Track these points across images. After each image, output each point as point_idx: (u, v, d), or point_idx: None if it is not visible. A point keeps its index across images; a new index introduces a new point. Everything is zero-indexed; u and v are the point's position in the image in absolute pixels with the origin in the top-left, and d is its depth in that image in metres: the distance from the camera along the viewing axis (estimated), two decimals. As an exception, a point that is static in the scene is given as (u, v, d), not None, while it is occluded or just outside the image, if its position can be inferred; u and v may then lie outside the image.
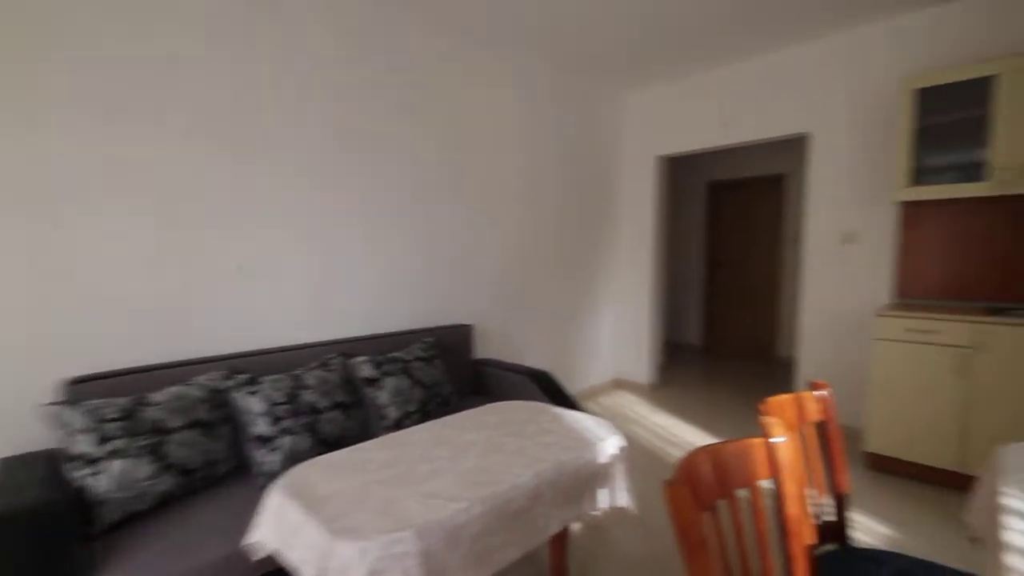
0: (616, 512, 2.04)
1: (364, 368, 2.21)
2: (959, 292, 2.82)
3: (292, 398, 1.89)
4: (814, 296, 3.36)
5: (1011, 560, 0.89)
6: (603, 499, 1.60)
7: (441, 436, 1.67)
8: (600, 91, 4.06)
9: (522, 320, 3.58)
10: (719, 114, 3.73)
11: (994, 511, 1.08)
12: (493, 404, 2.02)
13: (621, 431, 1.76)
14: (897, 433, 2.60)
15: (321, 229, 2.47)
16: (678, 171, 5.94)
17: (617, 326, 4.44)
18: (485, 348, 3.24)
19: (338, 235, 2.54)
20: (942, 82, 2.59)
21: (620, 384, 4.45)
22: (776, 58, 3.43)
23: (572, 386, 3.96)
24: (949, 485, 2.49)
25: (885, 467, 2.68)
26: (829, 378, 3.29)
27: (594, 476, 1.57)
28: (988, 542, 1.10)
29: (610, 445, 1.64)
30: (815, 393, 1.34)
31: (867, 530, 2.18)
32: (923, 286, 2.93)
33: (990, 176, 2.48)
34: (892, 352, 2.59)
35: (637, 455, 2.94)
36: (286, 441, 1.80)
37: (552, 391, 2.49)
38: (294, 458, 1.75)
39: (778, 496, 1.00)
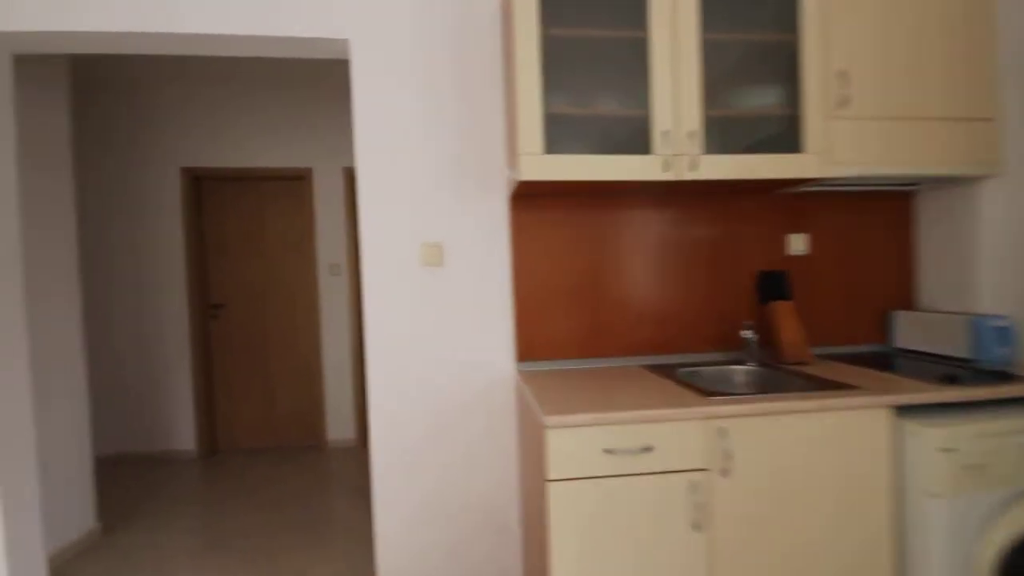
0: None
1: None
2: (601, 345, 1.73)
3: None
4: (381, 362, 1.68)
5: None
6: None
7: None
8: None
9: None
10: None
11: None
12: None
13: None
14: None
15: None
16: (119, 136, 3.31)
17: None
18: None
19: None
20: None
21: None
22: None
23: None
24: None
25: None
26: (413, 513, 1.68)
27: None
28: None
29: None
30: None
31: None
32: (550, 340, 1.72)
33: (653, 146, 1.42)
34: (586, 505, 1.15)
35: None
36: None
37: None
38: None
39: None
